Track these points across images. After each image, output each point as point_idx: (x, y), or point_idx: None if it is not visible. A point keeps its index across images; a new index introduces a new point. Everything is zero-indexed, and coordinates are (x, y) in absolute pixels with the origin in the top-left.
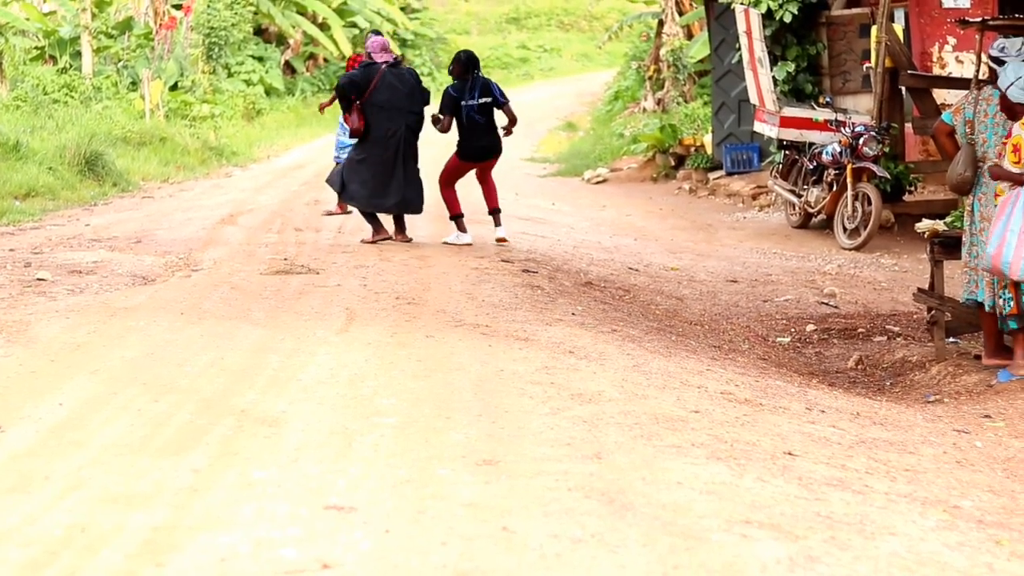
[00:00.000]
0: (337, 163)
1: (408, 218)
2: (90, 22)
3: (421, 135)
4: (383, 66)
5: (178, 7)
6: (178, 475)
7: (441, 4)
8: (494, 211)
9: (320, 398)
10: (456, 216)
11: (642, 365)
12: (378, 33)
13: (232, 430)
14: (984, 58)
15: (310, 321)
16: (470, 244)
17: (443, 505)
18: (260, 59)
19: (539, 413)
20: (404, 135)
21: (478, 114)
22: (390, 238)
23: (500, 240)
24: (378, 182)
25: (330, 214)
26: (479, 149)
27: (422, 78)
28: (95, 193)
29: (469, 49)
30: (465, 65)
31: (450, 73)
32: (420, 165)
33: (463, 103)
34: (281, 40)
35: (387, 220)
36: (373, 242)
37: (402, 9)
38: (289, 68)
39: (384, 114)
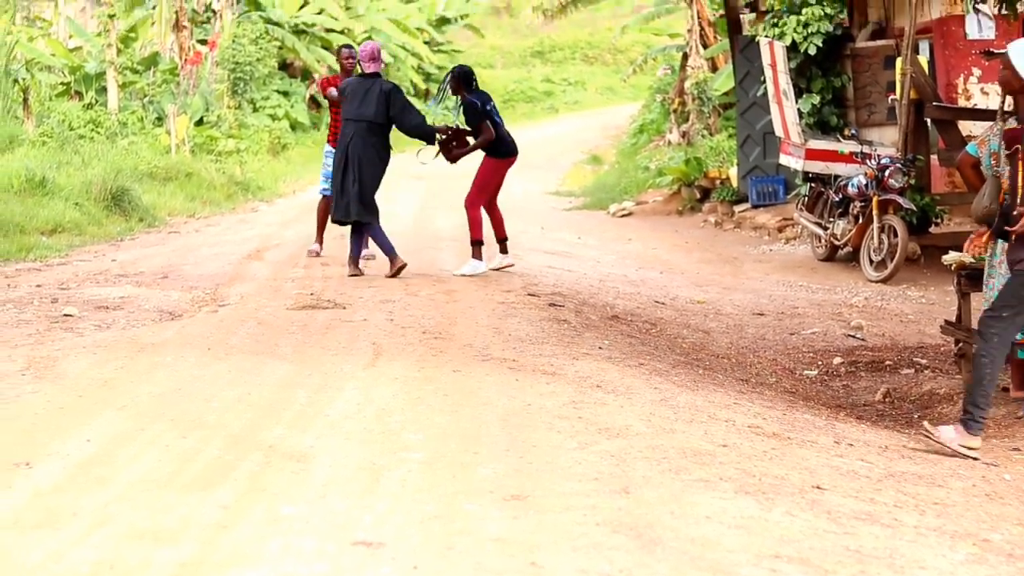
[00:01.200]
0: (323, 195)
1: (437, 250)
2: (116, 58)
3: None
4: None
5: (203, 42)
6: (205, 511)
7: (466, 38)
8: (504, 240)
9: (347, 433)
10: (478, 242)
11: (669, 399)
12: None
13: (259, 465)
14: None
15: (337, 356)
16: (485, 272)
17: (471, 540)
18: (285, 94)
19: (567, 448)
20: (353, 142)
21: (499, 116)
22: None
23: (507, 267)
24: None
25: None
26: (512, 145)
27: (446, 111)
28: (121, 228)
29: (460, 64)
30: (464, 79)
31: (453, 92)
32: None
33: (488, 108)
34: (306, 75)
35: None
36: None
37: (427, 43)
38: (314, 102)
39: (345, 124)
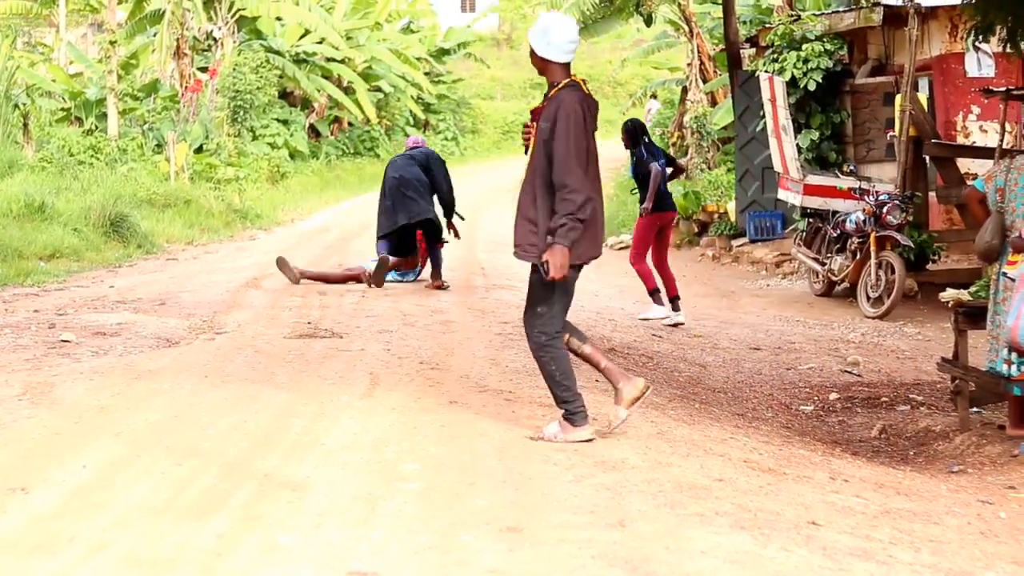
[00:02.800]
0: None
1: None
2: (116, 84)
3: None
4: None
5: (204, 70)
6: (201, 539)
7: (466, 69)
8: (676, 298)
9: (343, 462)
10: (654, 291)
11: (665, 433)
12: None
13: (255, 494)
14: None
15: (334, 385)
16: (665, 318)
17: (466, 572)
18: (285, 122)
19: (563, 480)
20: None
21: (666, 171)
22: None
23: (678, 324)
24: None
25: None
26: (667, 200)
27: (446, 141)
28: (120, 255)
29: (632, 118)
30: (635, 132)
31: (625, 146)
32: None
33: (661, 163)
34: (306, 104)
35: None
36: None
37: (426, 74)
38: (314, 131)
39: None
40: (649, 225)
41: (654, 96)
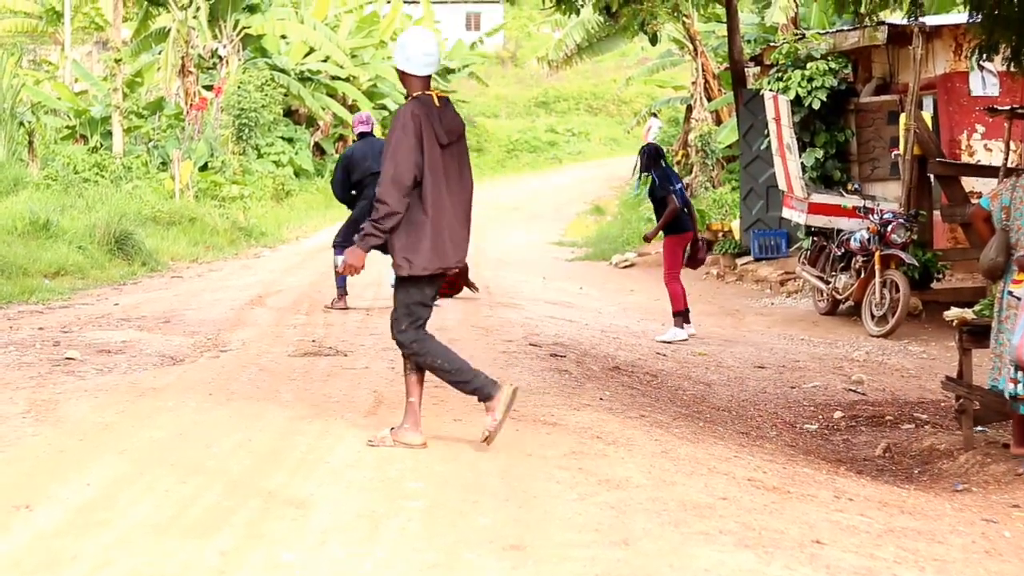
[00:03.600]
0: None
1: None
2: (121, 102)
3: None
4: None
5: (209, 88)
6: (205, 556)
7: (471, 87)
8: (681, 313)
9: (348, 480)
10: (680, 313)
11: (670, 451)
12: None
13: (259, 512)
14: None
15: (338, 403)
16: (686, 340)
17: None
18: (290, 140)
19: (566, 498)
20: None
21: (684, 194)
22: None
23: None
24: None
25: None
26: (686, 221)
27: None
28: (124, 272)
29: (649, 143)
30: (654, 156)
31: (643, 169)
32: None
33: (672, 188)
34: (311, 122)
35: None
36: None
37: None
38: (318, 149)
39: (364, 180)
40: (677, 244)
41: (654, 115)
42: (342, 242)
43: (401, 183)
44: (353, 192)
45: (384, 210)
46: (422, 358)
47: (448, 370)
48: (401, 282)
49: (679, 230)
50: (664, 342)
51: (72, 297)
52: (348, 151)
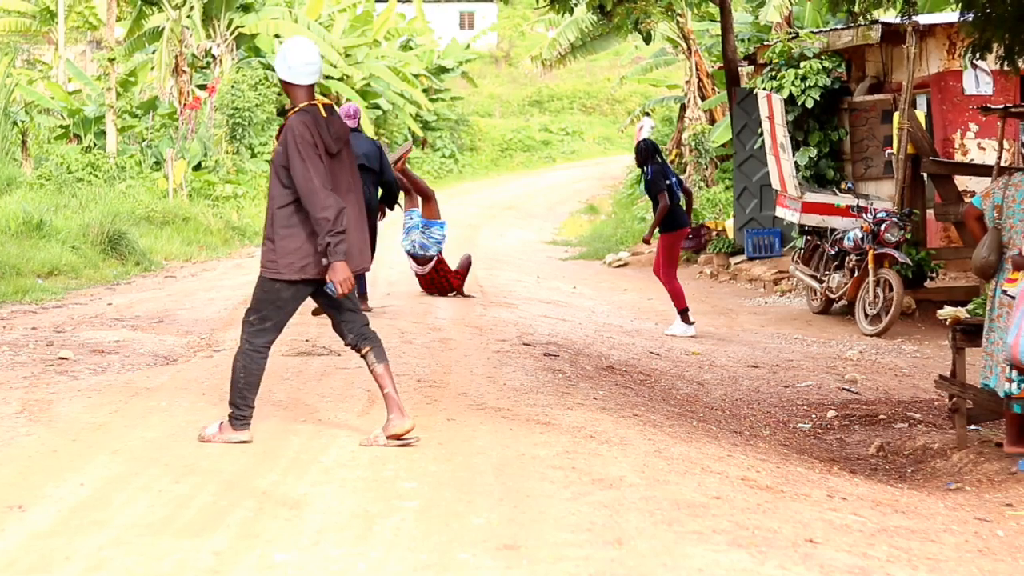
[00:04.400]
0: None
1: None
2: (115, 101)
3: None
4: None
5: (203, 87)
6: (199, 557)
7: (464, 86)
8: (685, 310)
9: (341, 480)
10: (684, 310)
11: (663, 450)
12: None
13: (253, 512)
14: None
15: (331, 403)
16: (694, 335)
17: None
18: None
19: (560, 498)
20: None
21: (679, 189)
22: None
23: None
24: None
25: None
26: (682, 218)
27: (444, 159)
28: (118, 272)
29: (646, 139)
30: (650, 151)
31: (639, 164)
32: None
33: (668, 181)
34: None
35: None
36: None
37: (425, 91)
38: None
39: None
40: (672, 242)
41: (647, 114)
42: None
43: (323, 190)
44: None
45: (331, 214)
46: (244, 359)
47: (240, 388)
48: (269, 281)
49: (674, 227)
50: (671, 335)
51: (65, 297)
52: None
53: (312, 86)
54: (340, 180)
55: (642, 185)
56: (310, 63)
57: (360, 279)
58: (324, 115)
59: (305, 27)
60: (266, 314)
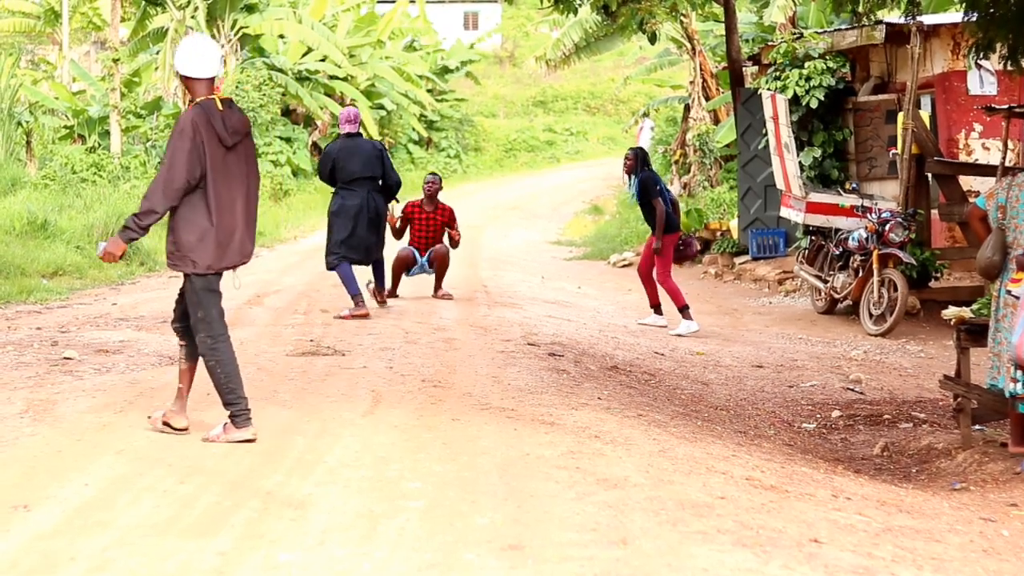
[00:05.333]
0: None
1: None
2: (119, 102)
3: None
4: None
5: None
6: (204, 557)
7: (469, 87)
8: (657, 305)
9: (346, 480)
10: (684, 307)
11: (668, 450)
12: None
13: (258, 512)
14: (1011, 144)
15: (336, 403)
16: (698, 330)
17: None
18: (288, 140)
19: (565, 498)
20: (369, 196)
21: (668, 194)
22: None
23: (659, 326)
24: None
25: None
26: (675, 221)
27: (448, 159)
28: (122, 272)
29: (635, 147)
30: (641, 159)
31: (627, 171)
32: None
33: (658, 187)
34: (309, 121)
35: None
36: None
37: (429, 91)
38: (316, 149)
39: (352, 182)
40: (665, 245)
41: (646, 115)
42: (339, 258)
43: (172, 187)
44: (336, 191)
45: (147, 206)
46: (211, 357)
47: (224, 384)
48: (188, 279)
49: (669, 230)
50: (678, 335)
51: (70, 297)
52: (332, 149)
53: (211, 80)
54: (234, 173)
55: (632, 192)
56: (207, 58)
57: (379, 272)
58: (220, 109)
59: (309, 27)
60: (206, 308)
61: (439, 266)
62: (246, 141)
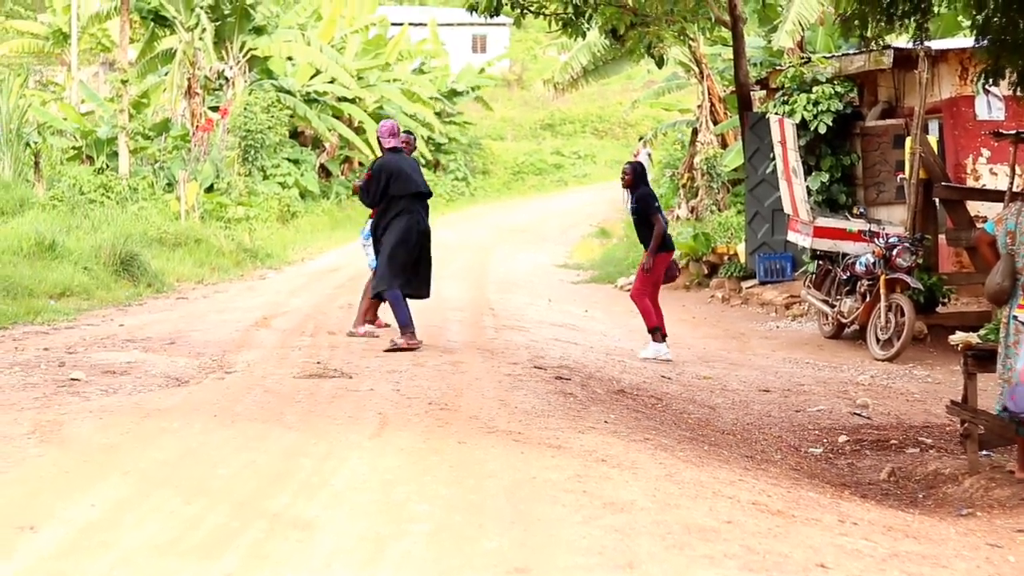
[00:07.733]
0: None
1: (444, 320)
2: (127, 123)
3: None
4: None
5: (215, 109)
6: None
7: (477, 110)
8: (656, 329)
9: (352, 503)
10: (655, 328)
11: (674, 474)
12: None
13: (264, 534)
14: (1019, 169)
15: (343, 425)
16: (670, 360)
17: None
18: (296, 162)
19: (571, 522)
20: (420, 218)
21: (663, 212)
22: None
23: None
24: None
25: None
26: (670, 240)
27: (456, 182)
28: (130, 293)
29: (632, 161)
30: (639, 174)
31: (625, 186)
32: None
33: (656, 204)
34: (317, 143)
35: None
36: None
37: (437, 114)
38: (324, 171)
39: (401, 199)
40: (660, 262)
41: (644, 142)
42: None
43: None
44: (391, 209)
45: None
46: None
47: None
48: None
49: (662, 248)
50: (646, 359)
51: (77, 318)
52: (385, 165)
53: None
54: None
55: (628, 208)
56: None
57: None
58: None
59: (317, 49)
60: None
61: None
62: None
